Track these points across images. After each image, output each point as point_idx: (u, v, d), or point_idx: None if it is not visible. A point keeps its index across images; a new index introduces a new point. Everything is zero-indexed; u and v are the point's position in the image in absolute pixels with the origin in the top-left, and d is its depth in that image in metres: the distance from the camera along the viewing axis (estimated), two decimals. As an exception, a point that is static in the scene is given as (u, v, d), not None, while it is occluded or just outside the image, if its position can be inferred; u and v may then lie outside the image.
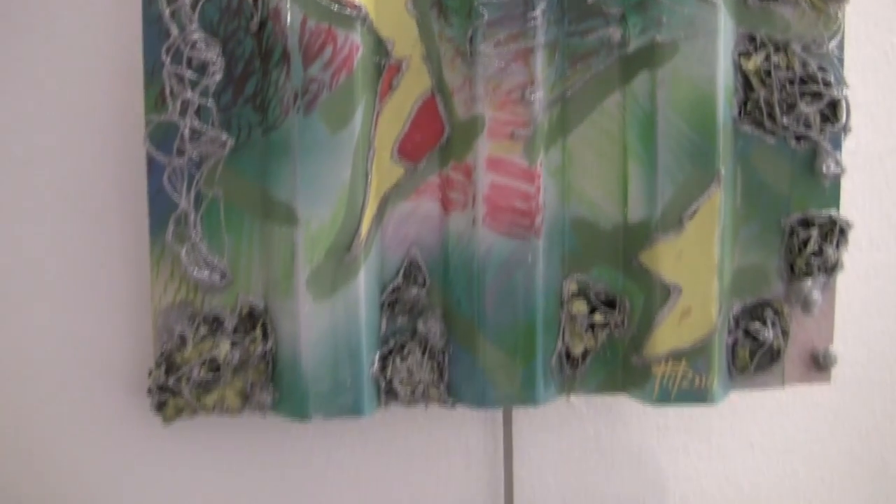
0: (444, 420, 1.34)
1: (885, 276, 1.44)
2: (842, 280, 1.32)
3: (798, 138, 1.25)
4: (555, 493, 1.39)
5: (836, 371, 1.37)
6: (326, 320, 1.18)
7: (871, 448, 1.47)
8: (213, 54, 1.17)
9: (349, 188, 1.18)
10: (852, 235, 1.31)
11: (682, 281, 1.22)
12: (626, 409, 1.39)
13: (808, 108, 1.25)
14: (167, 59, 1.16)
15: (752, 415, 1.43)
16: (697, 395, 1.25)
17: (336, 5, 1.15)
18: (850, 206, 1.25)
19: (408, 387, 1.23)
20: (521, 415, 1.36)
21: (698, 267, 1.22)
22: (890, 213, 1.43)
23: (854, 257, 1.40)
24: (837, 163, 1.26)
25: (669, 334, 1.23)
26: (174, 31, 1.16)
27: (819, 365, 1.30)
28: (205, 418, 1.25)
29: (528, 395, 1.23)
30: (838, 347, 1.31)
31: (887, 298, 1.44)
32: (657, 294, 1.23)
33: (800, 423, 1.45)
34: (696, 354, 1.23)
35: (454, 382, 1.24)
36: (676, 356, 1.23)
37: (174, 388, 1.19)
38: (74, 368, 1.26)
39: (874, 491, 1.49)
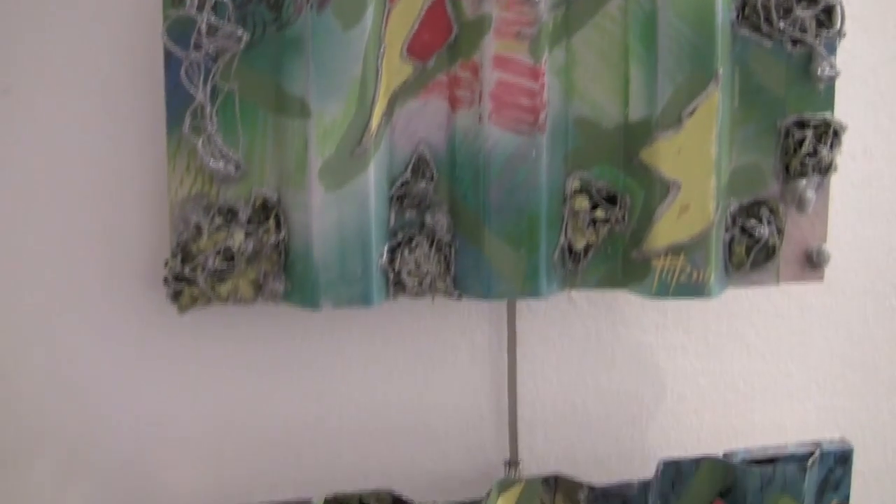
0: (450, 316, 1.39)
1: (878, 186, 1.48)
2: (836, 189, 1.36)
3: (794, 42, 1.30)
4: (556, 387, 1.43)
5: (830, 277, 1.42)
6: (337, 211, 1.22)
7: (864, 353, 1.52)
8: (229, -49, 1.21)
9: (360, 83, 1.21)
10: (847, 146, 1.35)
11: (681, 177, 1.26)
12: (626, 308, 1.43)
13: (804, 13, 1.29)
14: (184, -44, 1.20)
15: (748, 317, 1.47)
16: (695, 289, 1.29)
17: None
18: (845, 116, 1.29)
19: (415, 278, 1.27)
20: (524, 311, 1.40)
21: (696, 164, 1.26)
22: (883, 124, 1.47)
23: (848, 167, 1.44)
24: (832, 66, 1.30)
25: (668, 229, 1.27)
26: (191, -72, 1.20)
27: (813, 263, 1.34)
28: (219, 309, 1.29)
29: (531, 288, 1.27)
30: (833, 254, 1.35)
31: (880, 207, 1.48)
32: (657, 190, 1.27)
33: (794, 327, 1.49)
34: (694, 249, 1.27)
35: (460, 275, 1.28)
36: (675, 250, 1.27)
37: (189, 278, 1.23)
38: (93, 260, 1.29)
39: (866, 394, 1.53)
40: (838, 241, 1.45)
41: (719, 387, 1.48)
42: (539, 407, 1.43)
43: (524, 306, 1.39)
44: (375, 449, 1.39)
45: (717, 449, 1.39)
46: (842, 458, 1.38)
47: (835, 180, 1.33)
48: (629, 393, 1.45)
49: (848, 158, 1.44)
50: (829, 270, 1.36)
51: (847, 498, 1.38)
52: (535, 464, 1.42)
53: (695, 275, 1.28)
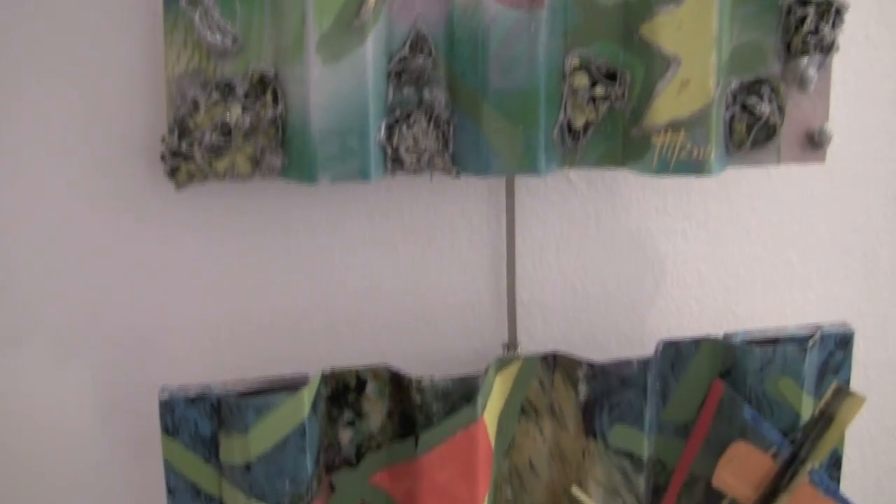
0: (449, 196, 1.38)
1: (881, 73, 1.47)
2: (838, 76, 1.36)
3: (796, -83, 1.28)
4: (556, 270, 1.43)
5: (831, 165, 1.41)
6: (335, 85, 1.21)
7: (865, 241, 1.51)
8: None
9: (358, -45, 1.21)
10: (849, 32, 1.34)
11: (682, 52, 1.25)
12: (626, 191, 1.43)
13: None
14: None
15: (749, 203, 1.47)
16: (695, 166, 1.28)
17: None
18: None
19: (413, 154, 1.26)
20: (523, 193, 1.39)
21: (697, 38, 1.25)
22: (886, 10, 1.45)
23: (850, 53, 1.43)
24: (834, -58, 1.29)
25: (668, 104, 1.26)
26: None
27: (814, 143, 1.33)
28: (216, 186, 1.28)
29: (529, 165, 1.26)
30: (835, 142, 1.34)
31: (883, 95, 1.47)
32: (657, 66, 1.26)
33: (795, 214, 1.48)
34: (694, 125, 1.26)
35: (459, 151, 1.27)
36: (675, 126, 1.27)
37: (186, 153, 1.23)
38: (89, 138, 1.28)
39: (866, 282, 1.53)
40: (840, 129, 1.44)
41: (720, 273, 1.47)
42: (538, 290, 1.43)
43: (523, 188, 1.39)
44: (373, 331, 1.39)
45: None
46: (842, 342, 1.38)
47: (836, 67, 1.32)
48: (629, 277, 1.45)
49: (850, 45, 1.43)
50: (830, 159, 1.36)
51: (848, 381, 1.38)
52: (533, 347, 1.42)
53: (695, 152, 1.27)
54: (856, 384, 1.43)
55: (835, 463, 1.42)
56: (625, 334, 1.46)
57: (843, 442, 1.41)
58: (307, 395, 1.23)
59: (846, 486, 1.36)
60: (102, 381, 1.34)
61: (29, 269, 1.29)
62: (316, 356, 1.36)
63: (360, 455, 1.31)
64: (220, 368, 1.34)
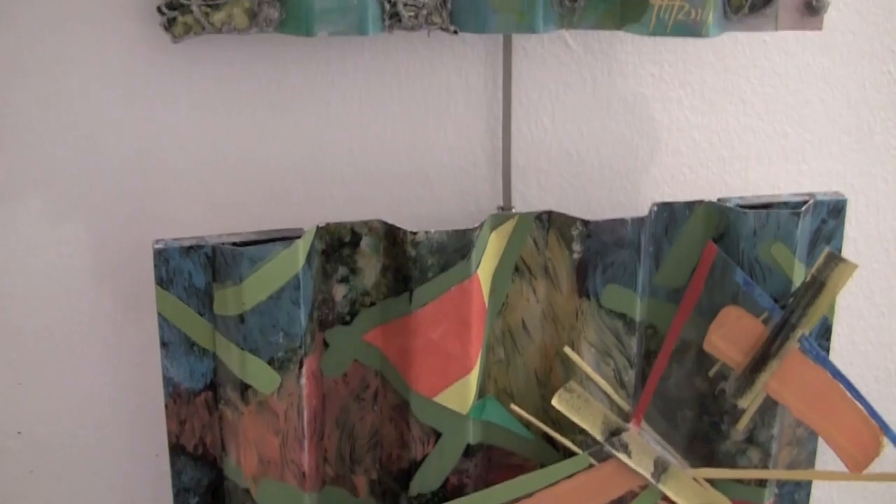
0: (446, 55, 1.37)
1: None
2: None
3: None
4: (551, 134, 1.42)
5: (828, 38, 1.41)
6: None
7: (860, 116, 1.51)
8: None
9: None
10: None
11: None
12: (623, 57, 1.42)
13: None
14: None
15: (745, 73, 1.46)
16: (692, 28, 1.27)
17: None
18: None
19: (412, 10, 1.25)
20: (520, 55, 1.39)
21: None
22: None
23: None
24: None
25: (667, -37, 1.26)
26: None
27: (812, 9, 1.32)
28: (213, 40, 1.27)
29: (528, 23, 1.25)
30: (833, 14, 1.34)
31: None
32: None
33: (791, 86, 1.48)
34: (692, -14, 1.26)
35: (457, 9, 1.26)
36: (674, -13, 1.26)
37: (183, 5, 1.21)
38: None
39: (860, 159, 1.53)
40: (836, 2, 1.43)
41: (714, 143, 1.47)
42: (533, 154, 1.43)
43: (520, 50, 1.38)
44: (367, 191, 1.39)
45: (710, 202, 1.39)
46: (835, 210, 1.38)
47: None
48: (624, 143, 1.45)
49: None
50: (827, 32, 1.36)
51: (840, 251, 1.39)
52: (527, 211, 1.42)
53: (693, 13, 1.27)
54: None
55: (824, 333, 1.43)
56: (619, 201, 1.46)
57: (833, 311, 1.42)
58: (302, 247, 1.23)
59: (835, 361, 1.36)
60: (97, 238, 1.34)
61: (20, 127, 1.28)
62: (310, 215, 1.36)
63: (353, 312, 1.31)
64: (215, 226, 1.33)
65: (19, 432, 1.39)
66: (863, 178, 1.53)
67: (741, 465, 1.41)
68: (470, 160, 1.41)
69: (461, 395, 1.32)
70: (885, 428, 1.38)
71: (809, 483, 1.51)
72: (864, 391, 1.34)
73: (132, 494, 1.44)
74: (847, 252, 1.47)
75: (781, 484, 1.48)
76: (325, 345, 1.32)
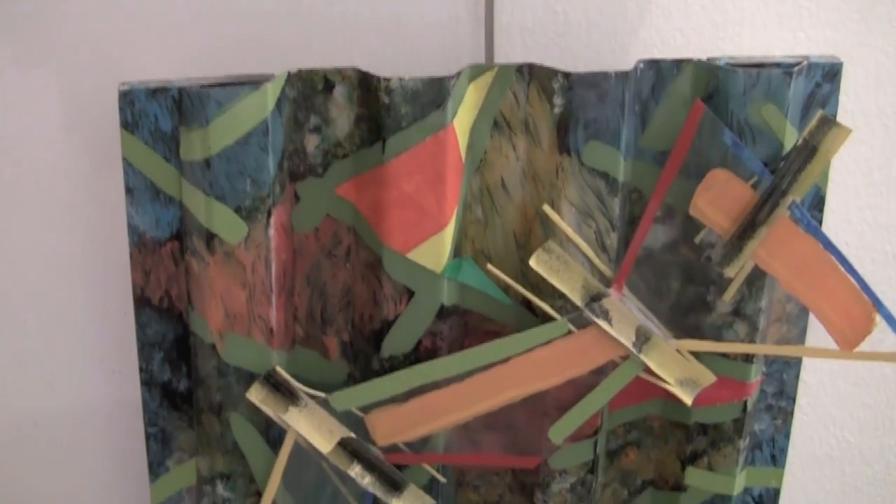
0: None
1: None
2: None
3: None
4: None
5: None
6: None
7: None
8: None
9: None
10: None
11: None
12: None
13: None
14: None
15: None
16: None
17: None
18: None
19: None
20: None
21: None
22: None
23: None
24: None
25: None
26: None
27: None
28: None
29: None
30: None
31: None
32: None
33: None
34: None
35: None
36: None
37: None
38: None
39: (859, 27, 1.48)
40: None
41: (707, 6, 1.42)
42: (518, 12, 1.38)
43: None
44: (345, 48, 1.35)
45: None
46: (830, 73, 1.33)
47: None
48: (613, 3, 1.40)
49: None
50: None
51: (835, 116, 1.34)
52: (509, 67, 1.38)
53: None
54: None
55: (817, 205, 1.39)
56: (607, 64, 1.41)
57: (826, 180, 1.37)
58: (271, 91, 1.19)
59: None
60: (65, 87, 1.30)
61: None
62: (281, 64, 1.31)
63: (326, 164, 1.27)
64: (184, 72, 1.29)
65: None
66: (862, 49, 1.48)
67: (727, 339, 1.37)
68: (452, 14, 1.36)
69: (435, 252, 1.28)
70: (877, 304, 1.34)
71: (799, 363, 1.47)
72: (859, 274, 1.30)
73: (101, 351, 1.42)
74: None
75: (769, 362, 1.44)
76: (297, 198, 1.28)
